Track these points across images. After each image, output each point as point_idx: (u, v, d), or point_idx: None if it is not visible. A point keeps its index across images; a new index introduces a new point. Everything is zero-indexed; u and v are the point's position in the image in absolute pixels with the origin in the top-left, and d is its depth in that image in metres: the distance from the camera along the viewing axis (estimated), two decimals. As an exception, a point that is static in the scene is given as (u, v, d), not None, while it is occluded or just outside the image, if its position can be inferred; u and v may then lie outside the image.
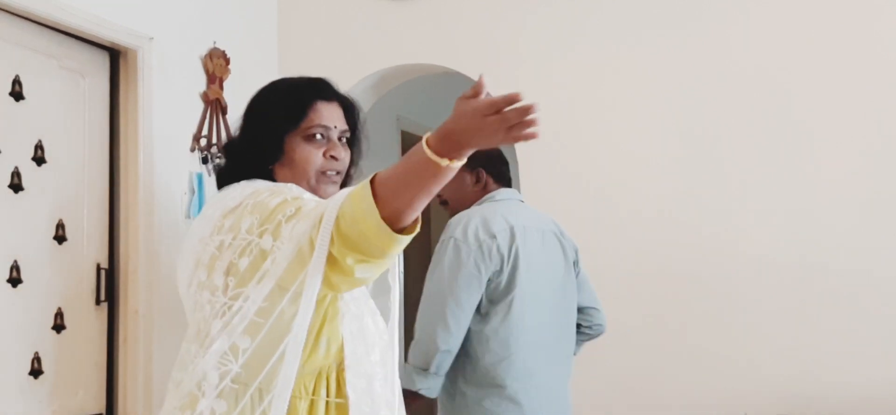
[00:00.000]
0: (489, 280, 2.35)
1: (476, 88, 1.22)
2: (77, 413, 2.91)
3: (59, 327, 2.87)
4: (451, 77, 3.87)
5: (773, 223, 3.07)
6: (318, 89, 1.65)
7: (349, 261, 1.30)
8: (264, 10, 3.92)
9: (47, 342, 2.83)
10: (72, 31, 2.96)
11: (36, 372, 2.78)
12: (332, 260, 1.32)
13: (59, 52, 2.94)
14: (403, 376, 2.22)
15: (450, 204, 2.54)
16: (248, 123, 1.67)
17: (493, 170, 2.56)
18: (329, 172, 1.62)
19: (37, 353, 2.79)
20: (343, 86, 3.69)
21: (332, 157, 1.62)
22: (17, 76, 2.79)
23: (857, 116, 3.00)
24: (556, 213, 2.79)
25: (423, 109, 5.16)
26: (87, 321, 2.98)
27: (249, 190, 1.52)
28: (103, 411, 3.02)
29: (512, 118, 1.18)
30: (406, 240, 1.30)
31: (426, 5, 3.72)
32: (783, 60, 3.11)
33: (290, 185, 1.56)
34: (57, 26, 2.91)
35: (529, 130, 1.19)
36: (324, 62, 3.87)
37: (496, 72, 3.56)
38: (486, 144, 1.22)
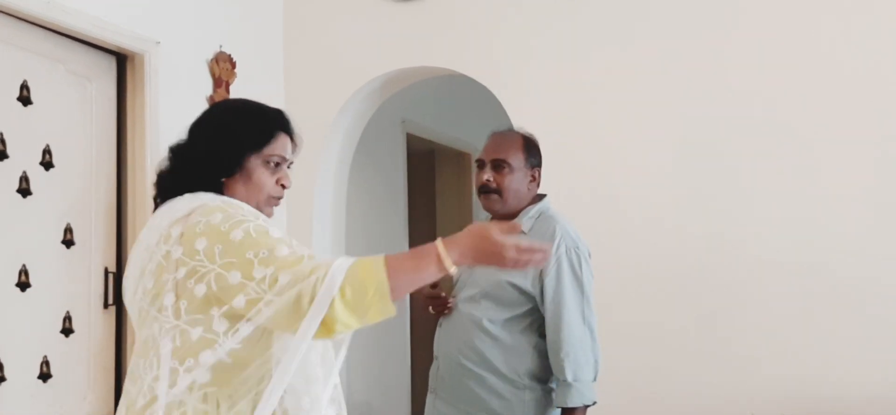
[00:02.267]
0: None
1: (515, 228, 1.54)
2: (85, 416, 2.93)
3: (67, 330, 2.89)
4: (455, 80, 3.88)
5: (778, 226, 3.06)
6: (283, 122, 1.77)
7: (337, 327, 1.44)
8: (270, 14, 3.93)
9: (56, 346, 2.84)
10: (78, 36, 2.97)
11: (45, 376, 2.79)
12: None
13: (66, 57, 2.96)
14: (574, 393, 2.26)
15: (503, 196, 2.42)
16: (209, 133, 1.73)
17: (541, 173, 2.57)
18: (277, 198, 1.76)
19: (45, 356, 2.80)
20: (348, 89, 3.82)
21: (283, 185, 1.75)
22: (24, 81, 2.80)
23: (863, 119, 2.99)
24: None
25: (428, 112, 5.16)
26: (96, 325, 3.00)
27: (197, 203, 1.59)
28: None
29: (519, 258, 1.49)
30: (387, 316, 1.49)
31: (431, 8, 3.72)
32: (790, 65, 3.10)
33: (235, 204, 1.61)
34: (64, 31, 2.92)
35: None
36: (329, 65, 3.88)
37: (500, 75, 3.56)
38: (481, 264, 1.54)
